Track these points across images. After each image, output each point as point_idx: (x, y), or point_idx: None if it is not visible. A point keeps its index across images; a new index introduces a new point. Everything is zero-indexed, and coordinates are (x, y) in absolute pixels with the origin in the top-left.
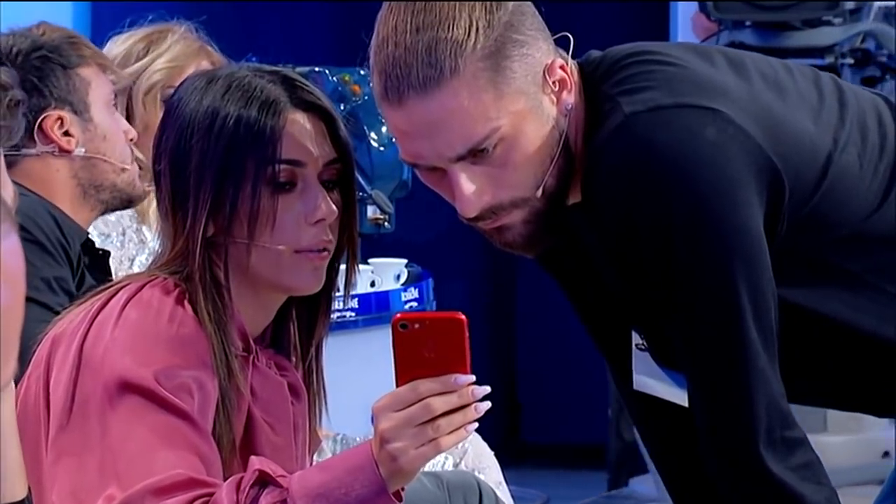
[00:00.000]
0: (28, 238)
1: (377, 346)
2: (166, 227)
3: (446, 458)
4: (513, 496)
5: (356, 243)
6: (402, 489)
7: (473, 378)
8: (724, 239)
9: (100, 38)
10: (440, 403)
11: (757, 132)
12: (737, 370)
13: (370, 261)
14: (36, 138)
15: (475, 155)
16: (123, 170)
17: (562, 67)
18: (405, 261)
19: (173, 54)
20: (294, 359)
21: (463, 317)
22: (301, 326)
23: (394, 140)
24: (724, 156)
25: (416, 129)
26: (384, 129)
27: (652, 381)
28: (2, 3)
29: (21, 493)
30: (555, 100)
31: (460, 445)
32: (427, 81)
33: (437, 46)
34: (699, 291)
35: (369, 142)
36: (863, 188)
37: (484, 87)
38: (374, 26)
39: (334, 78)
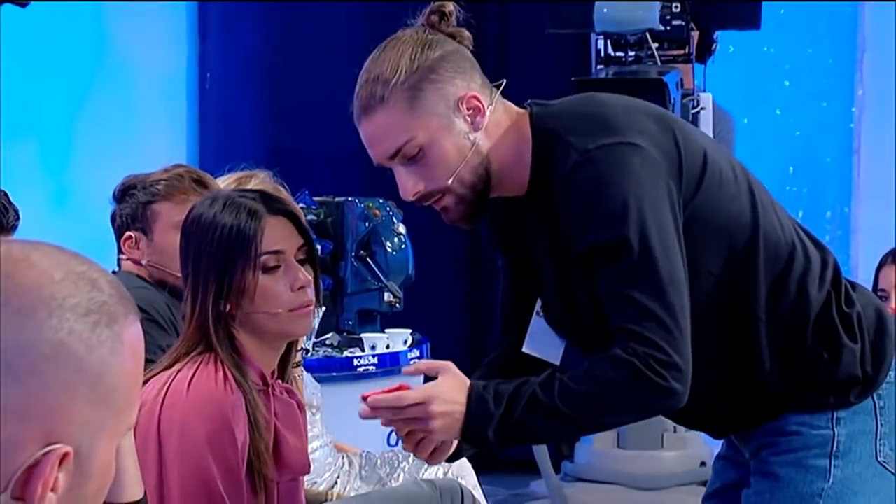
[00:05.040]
0: (149, 318)
1: None
2: (187, 314)
3: (438, 468)
4: (484, 494)
5: (321, 293)
6: None
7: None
8: (641, 200)
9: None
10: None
11: (664, 157)
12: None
13: (386, 330)
14: (122, 248)
15: (406, 157)
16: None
17: (476, 98)
18: (410, 330)
19: None
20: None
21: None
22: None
23: (403, 246)
24: (647, 171)
25: (369, 139)
26: (396, 239)
27: (539, 342)
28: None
29: (139, 495)
30: (469, 121)
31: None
32: (368, 107)
33: (375, 82)
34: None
35: (385, 248)
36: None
37: (403, 109)
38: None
39: (362, 204)
